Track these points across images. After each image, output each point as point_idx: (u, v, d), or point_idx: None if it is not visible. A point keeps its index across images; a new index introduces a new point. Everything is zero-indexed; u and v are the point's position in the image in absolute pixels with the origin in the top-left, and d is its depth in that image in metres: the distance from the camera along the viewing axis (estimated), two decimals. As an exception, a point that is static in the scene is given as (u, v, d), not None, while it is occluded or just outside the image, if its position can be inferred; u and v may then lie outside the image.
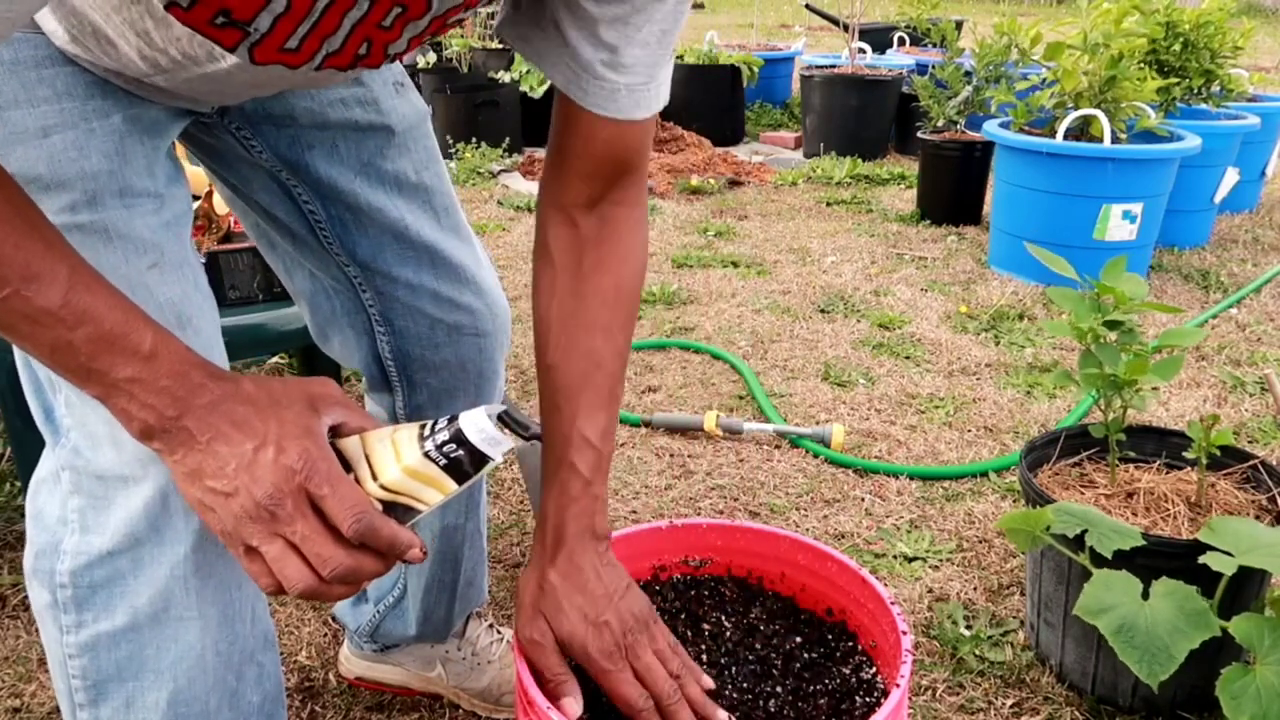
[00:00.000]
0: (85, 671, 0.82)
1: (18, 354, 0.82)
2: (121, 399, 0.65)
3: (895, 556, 1.69)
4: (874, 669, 0.96)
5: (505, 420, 1.57)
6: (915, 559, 1.68)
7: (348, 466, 0.70)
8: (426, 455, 0.68)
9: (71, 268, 0.64)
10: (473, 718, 1.33)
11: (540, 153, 4.84)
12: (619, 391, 0.91)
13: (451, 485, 0.69)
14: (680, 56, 5.37)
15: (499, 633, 1.38)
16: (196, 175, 1.52)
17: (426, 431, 0.69)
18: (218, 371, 0.68)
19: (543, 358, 0.90)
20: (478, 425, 0.68)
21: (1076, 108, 3.05)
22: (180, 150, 0.94)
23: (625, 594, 0.88)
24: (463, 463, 0.68)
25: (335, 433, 0.71)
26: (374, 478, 0.69)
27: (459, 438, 0.68)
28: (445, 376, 1.11)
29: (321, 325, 1.11)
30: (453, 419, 0.69)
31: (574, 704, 0.82)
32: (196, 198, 1.53)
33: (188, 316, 0.78)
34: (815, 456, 2.03)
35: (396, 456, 0.69)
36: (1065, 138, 3.01)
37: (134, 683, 0.82)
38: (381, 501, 0.69)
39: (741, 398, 2.30)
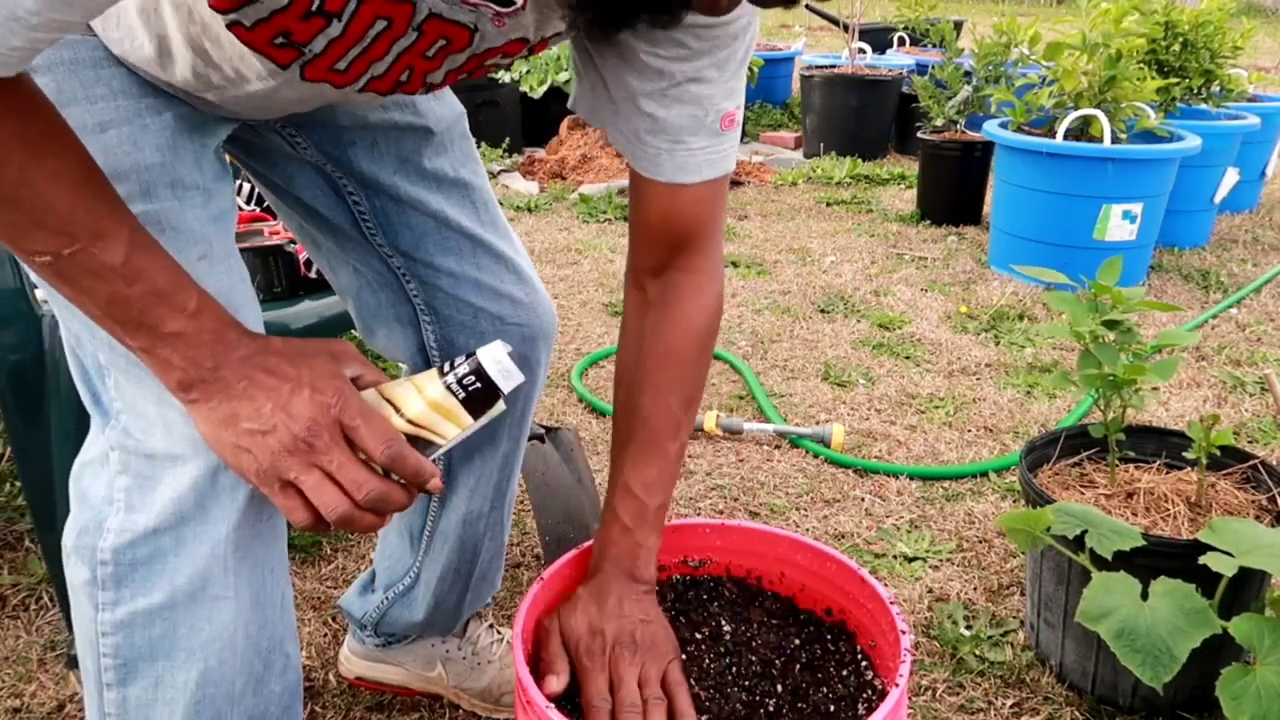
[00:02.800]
0: (118, 649, 0.83)
1: (67, 347, 0.86)
2: (165, 350, 0.71)
3: (895, 556, 1.69)
4: (873, 669, 0.96)
5: None
6: (915, 559, 1.68)
7: None
8: (448, 388, 0.74)
9: (132, 229, 0.70)
10: (473, 718, 1.33)
11: (540, 153, 4.84)
12: (670, 448, 0.98)
13: (468, 419, 0.75)
14: (680, 56, 5.36)
15: (499, 633, 1.38)
16: None
17: (446, 369, 0.75)
18: (251, 331, 0.75)
19: (614, 411, 1.01)
20: (495, 358, 0.74)
21: (1076, 107, 3.05)
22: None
23: (642, 623, 0.92)
24: (479, 395, 0.74)
25: (354, 384, 0.76)
26: (398, 413, 0.75)
27: (478, 370, 0.74)
28: None
29: (367, 320, 1.13)
30: (470, 355, 0.75)
31: (555, 682, 0.88)
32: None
33: (235, 306, 0.81)
34: (815, 456, 2.03)
35: (419, 391, 0.75)
36: (1065, 138, 3.01)
37: (165, 661, 0.83)
38: (404, 435, 0.74)
39: (741, 398, 2.30)
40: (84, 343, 0.82)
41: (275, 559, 0.88)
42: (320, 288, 1.49)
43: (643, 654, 0.90)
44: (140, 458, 0.80)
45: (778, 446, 2.07)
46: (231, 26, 0.71)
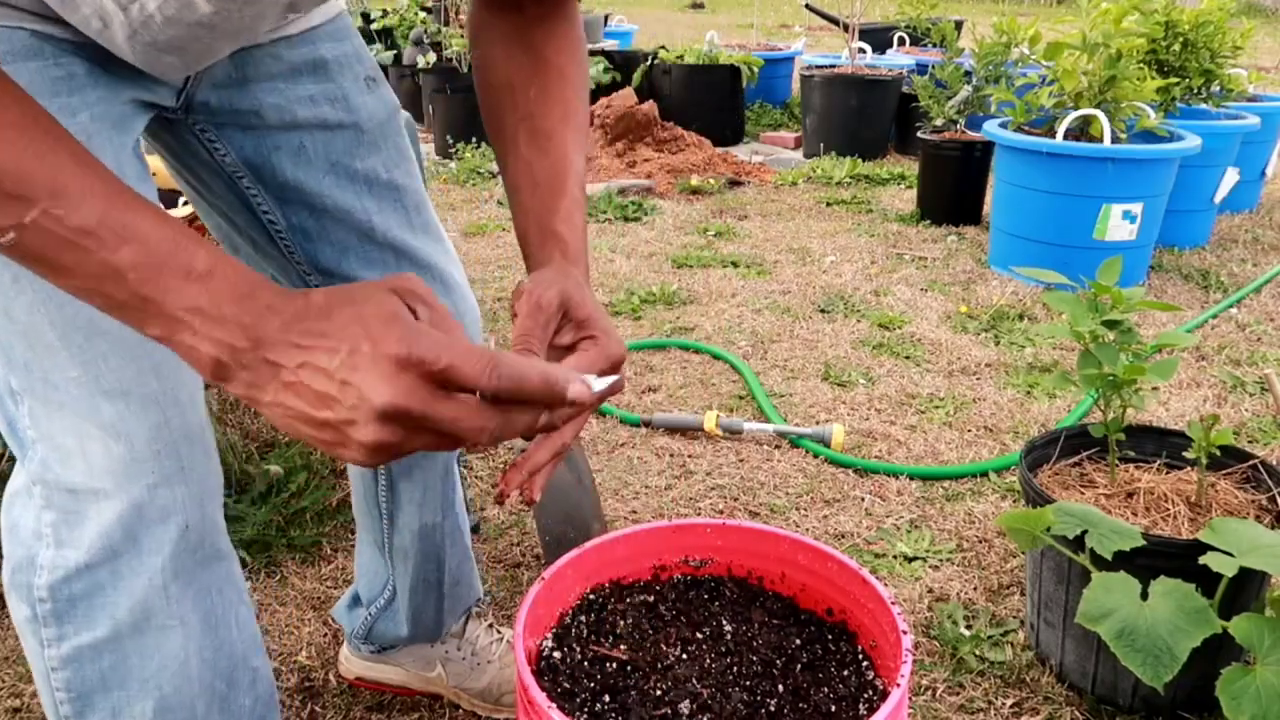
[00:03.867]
0: (69, 683, 0.82)
1: None
2: (185, 334, 0.57)
3: (895, 556, 1.69)
4: (874, 669, 0.97)
5: None
6: (915, 559, 1.68)
7: None
8: None
9: (105, 181, 0.57)
10: (473, 718, 1.33)
11: (540, 153, 4.83)
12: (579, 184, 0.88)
13: None
14: (680, 56, 5.37)
15: (498, 632, 1.38)
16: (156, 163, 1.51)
17: None
18: (281, 289, 0.60)
19: (515, 112, 0.87)
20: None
21: (1076, 107, 3.05)
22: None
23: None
24: None
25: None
26: None
27: None
28: None
29: None
30: None
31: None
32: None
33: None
34: (815, 456, 2.03)
35: None
36: (1065, 137, 3.01)
37: (119, 692, 0.82)
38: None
39: (741, 398, 2.30)
40: None
41: (222, 578, 0.87)
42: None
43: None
44: (62, 492, 0.77)
45: (778, 446, 2.07)
46: None
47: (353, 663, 1.37)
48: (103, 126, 0.76)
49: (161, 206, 0.78)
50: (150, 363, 0.78)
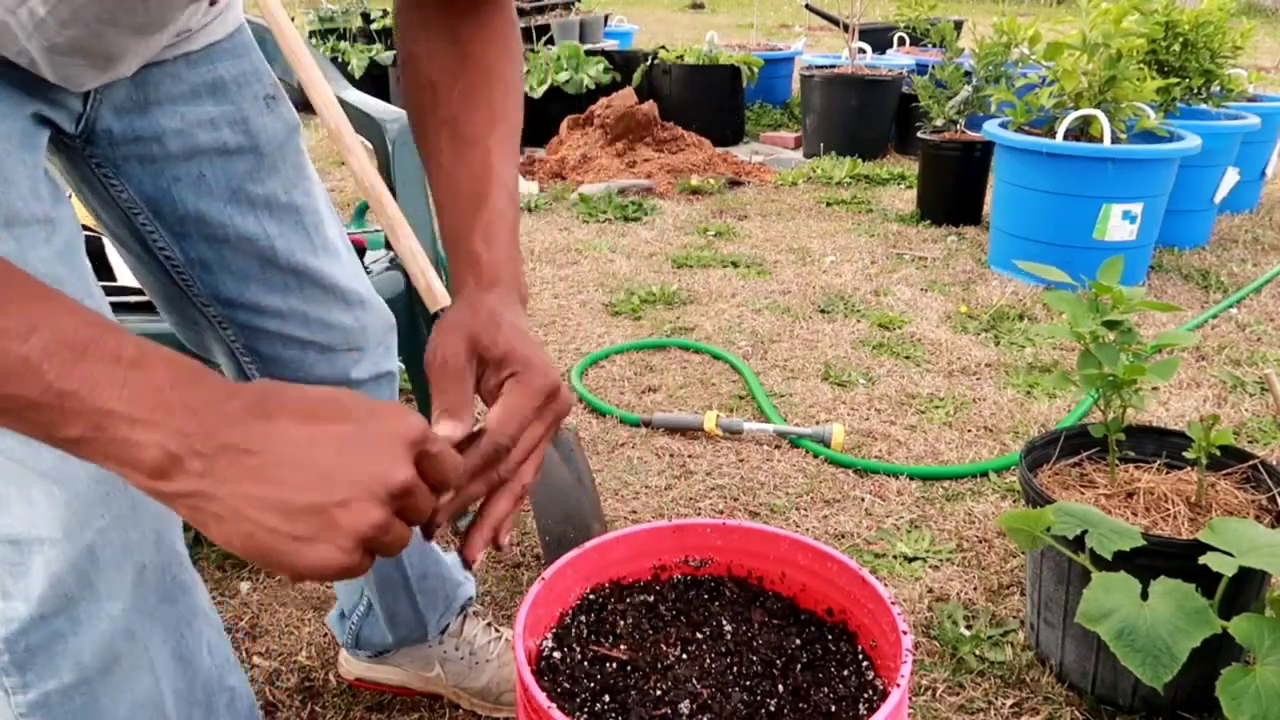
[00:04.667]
0: None
1: None
2: (120, 427, 0.49)
3: (895, 556, 1.69)
4: (874, 669, 0.97)
5: None
6: (915, 559, 1.68)
7: None
8: None
9: (4, 268, 0.50)
10: (473, 718, 1.33)
11: (540, 153, 4.84)
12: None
13: None
14: (680, 56, 5.37)
15: (496, 631, 1.38)
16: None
17: None
18: (230, 383, 0.54)
19: (437, 114, 0.81)
20: None
21: (1076, 107, 3.05)
22: None
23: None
24: None
25: None
26: None
27: None
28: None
29: (199, 351, 1.08)
30: None
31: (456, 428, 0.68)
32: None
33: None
34: (815, 456, 2.03)
35: None
36: (1065, 138, 3.01)
37: None
38: None
39: (741, 398, 2.30)
40: None
41: (190, 611, 0.84)
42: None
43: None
44: (4, 544, 0.72)
45: (778, 446, 2.07)
46: None
47: (352, 664, 1.38)
48: (10, 145, 0.71)
49: (81, 235, 0.75)
50: None
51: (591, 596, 1.06)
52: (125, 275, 1.52)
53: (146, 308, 1.26)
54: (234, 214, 0.95)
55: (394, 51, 6.20)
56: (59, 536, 0.72)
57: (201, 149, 0.92)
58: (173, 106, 0.90)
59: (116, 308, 0.98)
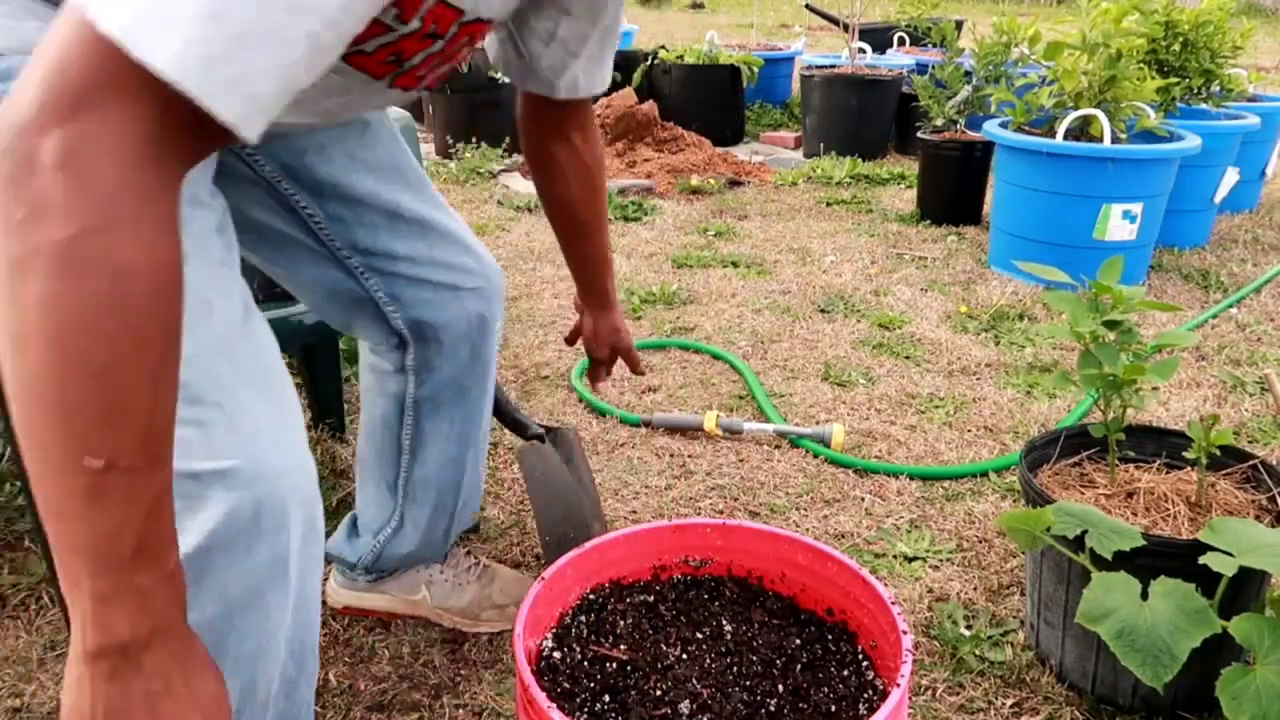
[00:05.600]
0: None
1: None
2: (129, 598, 0.61)
3: (895, 556, 1.69)
4: (874, 669, 0.97)
5: (505, 420, 1.58)
6: (915, 559, 1.68)
7: None
8: None
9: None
10: (471, 715, 1.33)
11: (540, 153, 4.83)
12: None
13: None
14: (680, 56, 5.37)
15: (476, 559, 1.52)
16: None
17: None
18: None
19: (575, 222, 1.34)
20: None
21: (1076, 107, 3.05)
22: None
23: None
24: None
25: None
26: None
27: None
28: (453, 330, 1.26)
29: (338, 320, 1.25)
30: None
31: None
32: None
33: (251, 308, 0.86)
34: (815, 456, 2.03)
35: None
36: (1065, 137, 3.01)
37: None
38: None
39: (741, 398, 2.30)
40: None
41: (316, 558, 0.87)
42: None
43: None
44: (185, 479, 0.76)
45: (778, 446, 2.07)
46: (350, 57, 0.79)
47: (340, 594, 1.48)
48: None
49: (231, 233, 0.93)
50: (281, 376, 0.86)
51: (591, 596, 1.06)
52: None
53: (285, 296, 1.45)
54: (354, 176, 1.13)
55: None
56: (240, 473, 0.77)
57: (322, 123, 1.07)
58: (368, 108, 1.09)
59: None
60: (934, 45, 4.92)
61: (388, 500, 1.37)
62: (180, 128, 0.55)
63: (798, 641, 1.00)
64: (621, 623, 1.01)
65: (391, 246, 1.17)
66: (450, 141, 4.90)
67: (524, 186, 4.37)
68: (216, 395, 0.78)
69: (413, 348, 1.26)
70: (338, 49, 0.60)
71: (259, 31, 0.54)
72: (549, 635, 0.99)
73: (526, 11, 1.05)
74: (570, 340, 1.51)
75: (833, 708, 0.91)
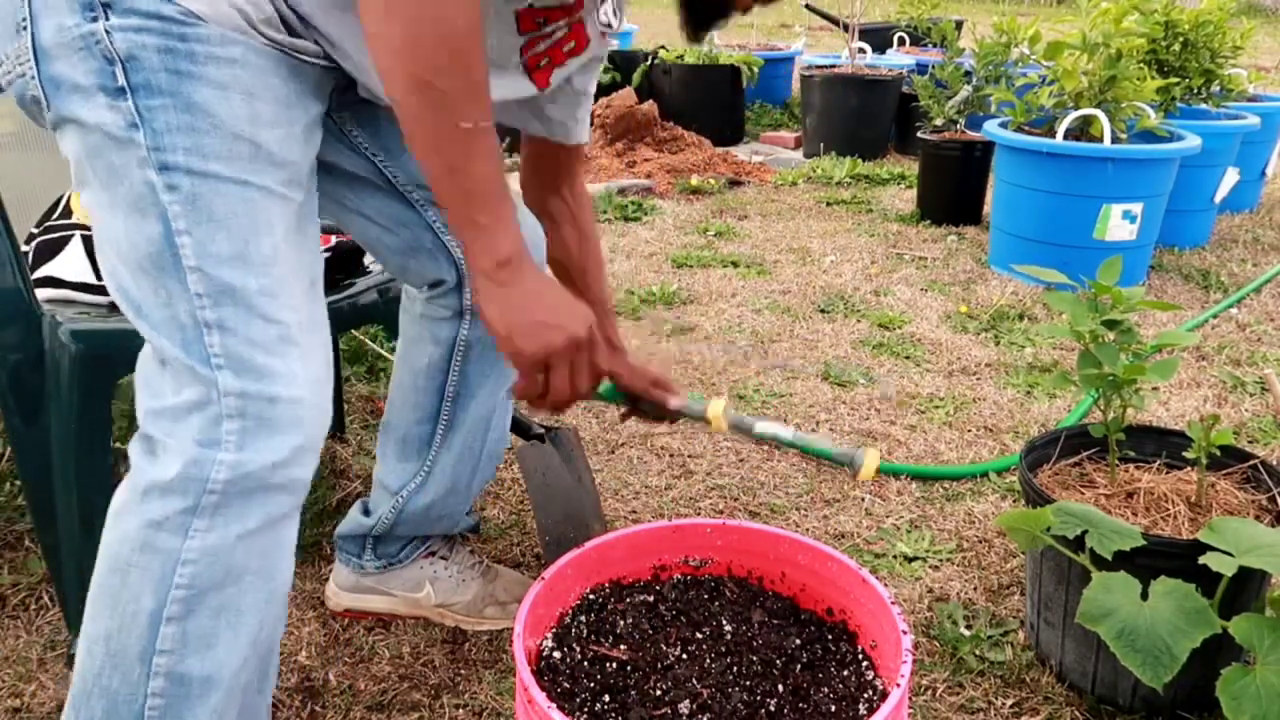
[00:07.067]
0: (194, 578, 0.87)
1: (132, 314, 0.91)
2: (500, 230, 0.91)
3: (895, 556, 1.69)
4: (874, 669, 0.97)
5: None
6: (915, 559, 1.68)
7: None
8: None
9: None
10: (471, 716, 1.33)
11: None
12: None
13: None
14: (680, 56, 5.37)
15: (479, 557, 1.53)
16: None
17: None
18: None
19: (570, 275, 1.39)
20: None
21: (1076, 107, 3.05)
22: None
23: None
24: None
25: None
26: None
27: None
28: None
29: (395, 260, 1.28)
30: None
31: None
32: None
33: (317, 279, 0.99)
34: (815, 457, 2.03)
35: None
36: (1065, 137, 3.01)
37: (232, 588, 0.89)
38: None
39: (742, 397, 2.30)
40: (176, 301, 0.88)
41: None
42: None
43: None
44: (262, 401, 0.87)
45: (778, 446, 2.07)
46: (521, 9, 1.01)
47: (341, 596, 1.49)
48: (311, 133, 0.99)
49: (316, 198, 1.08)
50: (321, 310, 0.99)
51: (591, 596, 1.06)
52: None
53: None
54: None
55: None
56: (312, 400, 0.89)
57: (380, 96, 1.15)
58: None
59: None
60: (934, 45, 4.93)
61: (413, 461, 1.38)
62: None
63: (798, 641, 1.00)
64: (621, 623, 1.01)
65: None
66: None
67: (524, 186, 4.36)
68: (300, 338, 0.91)
69: (469, 284, 1.30)
70: None
71: None
72: (549, 635, 0.99)
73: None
74: (625, 416, 1.36)
75: (833, 708, 0.91)
